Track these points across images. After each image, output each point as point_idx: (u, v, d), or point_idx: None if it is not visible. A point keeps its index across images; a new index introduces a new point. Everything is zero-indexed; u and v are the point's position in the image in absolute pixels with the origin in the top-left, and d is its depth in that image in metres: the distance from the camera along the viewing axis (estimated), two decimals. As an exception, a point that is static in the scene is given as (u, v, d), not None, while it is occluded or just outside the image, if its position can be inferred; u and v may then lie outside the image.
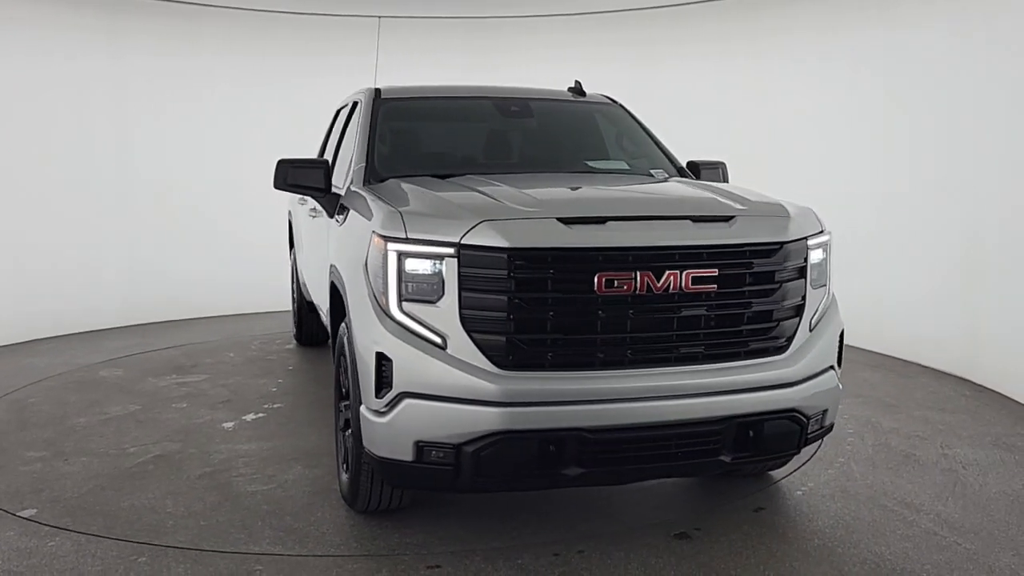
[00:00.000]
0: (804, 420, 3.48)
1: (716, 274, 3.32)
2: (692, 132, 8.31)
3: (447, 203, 3.52)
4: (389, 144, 4.72)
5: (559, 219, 3.27)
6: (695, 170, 4.81)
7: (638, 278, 3.20)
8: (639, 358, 3.29)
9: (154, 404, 5.93)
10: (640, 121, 5.16)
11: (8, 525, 3.86)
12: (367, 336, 3.37)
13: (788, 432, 3.47)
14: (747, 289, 3.40)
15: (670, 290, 3.25)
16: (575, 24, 9.36)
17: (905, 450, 4.90)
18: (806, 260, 3.59)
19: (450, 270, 3.20)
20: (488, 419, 3.12)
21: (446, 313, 3.21)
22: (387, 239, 3.30)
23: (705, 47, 8.82)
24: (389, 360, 3.24)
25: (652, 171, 4.61)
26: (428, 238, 3.24)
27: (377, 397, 3.29)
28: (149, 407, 5.85)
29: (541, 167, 4.76)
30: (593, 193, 4.00)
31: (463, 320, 3.19)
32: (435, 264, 3.22)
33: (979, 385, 6.32)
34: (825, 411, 3.63)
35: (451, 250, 3.19)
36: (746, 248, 3.40)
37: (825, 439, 5.01)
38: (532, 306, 3.20)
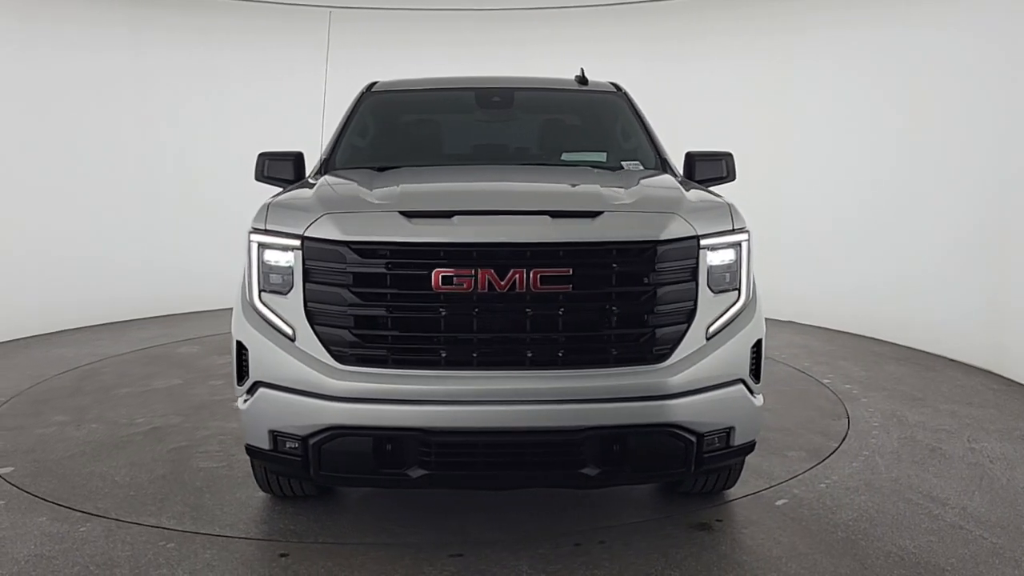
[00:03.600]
0: (691, 437, 3.16)
1: (570, 274, 3.09)
2: (711, 124, 8.30)
3: (310, 196, 3.50)
4: (361, 137, 4.72)
5: (402, 213, 3.18)
6: (691, 162, 4.38)
7: (478, 276, 3.04)
8: (488, 360, 3.13)
9: (196, 380, 6.26)
10: (638, 110, 4.94)
11: (40, 511, 3.96)
12: (233, 324, 3.42)
13: (668, 449, 3.17)
14: (612, 291, 3.15)
15: (516, 289, 3.06)
16: (595, 16, 9.33)
17: (931, 444, 4.86)
18: (697, 261, 3.26)
19: (297, 262, 3.21)
20: (326, 413, 3.11)
21: (294, 305, 3.22)
22: (252, 230, 3.37)
23: (727, 40, 8.78)
24: (246, 349, 3.30)
25: (624, 163, 4.37)
26: (280, 230, 3.27)
27: (238, 384, 3.37)
28: (190, 383, 6.20)
29: (505, 159, 4.66)
30: (457, 187, 3.78)
31: (307, 313, 3.20)
32: (287, 256, 3.23)
33: (1007, 379, 6.24)
34: (731, 429, 3.29)
35: (296, 242, 3.21)
36: (610, 247, 3.14)
37: (849, 432, 5.02)
38: (370, 301, 3.14)
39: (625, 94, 5.05)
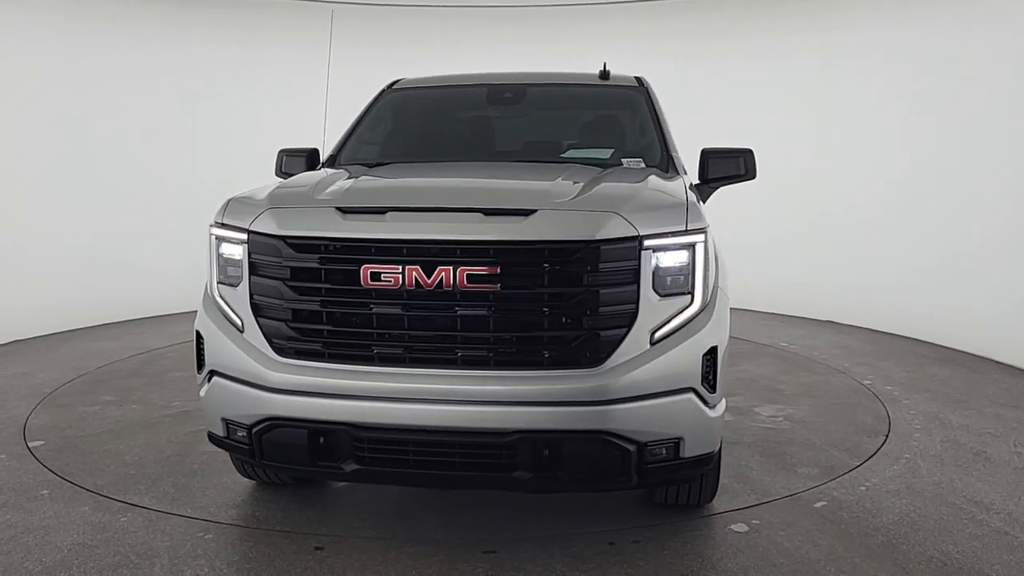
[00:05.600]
0: (628, 446, 3.02)
1: (498, 273, 3.01)
2: (747, 119, 8.21)
3: (267, 191, 3.57)
4: (371, 133, 4.75)
5: (338, 208, 3.21)
6: (705, 159, 4.21)
7: (405, 273, 3.03)
8: (419, 357, 3.12)
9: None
10: (655, 106, 4.73)
11: (82, 500, 4.04)
12: (197, 315, 3.52)
13: (604, 457, 3.03)
14: (544, 292, 3.05)
15: (444, 287, 3.02)
16: (636, 12, 9.28)
17: (975, 447, 4.75)
18: (639, 263, 3.07)
19: (244, 256, 3.30)
20: (266, 404, 3.17)
21: (243, 297, 3.30)
22: (212, 223, 3.47)
23: (770, 40, 8.68)
24: (203, 338, 3.42)
25: (625, 160, 4.23)
26: (231, 223, 3.37)
27: (198, 372, 3.48)
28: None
29: (505, 156, 4.60)
30: (397, 183, 3.81)
31: (253, 305, 3.28)
32: (238, 249, 3.33)
33: (1056, 382, 6.10)
34: (679, 440, 3.12)
35: (243, 236, 3.29)
36: (541, 246, 3.03)
37: (890, 435, 4.93)
38: (305, 296, 3.19)
39: (645, 89, 4.89)
